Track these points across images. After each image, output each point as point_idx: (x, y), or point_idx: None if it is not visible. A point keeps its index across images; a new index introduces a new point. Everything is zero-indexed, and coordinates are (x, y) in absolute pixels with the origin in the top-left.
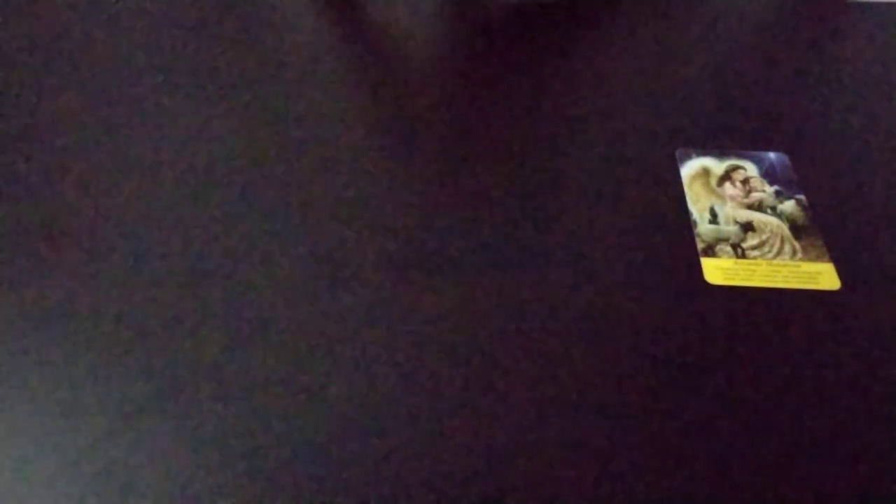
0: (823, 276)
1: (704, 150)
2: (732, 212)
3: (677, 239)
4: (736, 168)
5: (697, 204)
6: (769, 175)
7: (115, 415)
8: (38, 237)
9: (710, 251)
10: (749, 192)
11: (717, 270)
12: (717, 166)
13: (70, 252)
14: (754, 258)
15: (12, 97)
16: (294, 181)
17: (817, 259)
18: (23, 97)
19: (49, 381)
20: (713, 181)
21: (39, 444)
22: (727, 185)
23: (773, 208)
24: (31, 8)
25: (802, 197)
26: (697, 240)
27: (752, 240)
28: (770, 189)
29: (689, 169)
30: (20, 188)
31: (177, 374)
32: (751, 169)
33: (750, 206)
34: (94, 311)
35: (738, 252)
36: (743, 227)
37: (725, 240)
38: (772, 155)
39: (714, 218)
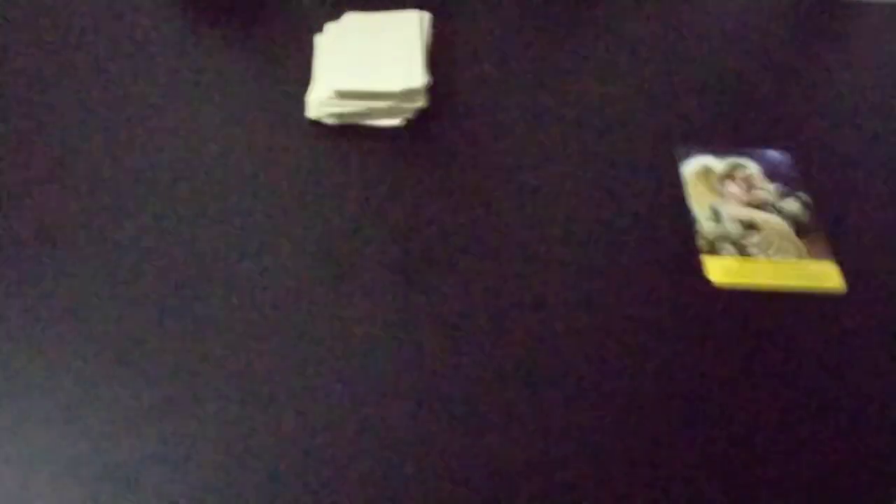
0: (826, 274)
1: (706, 149)
2: (734, 210)
3: (679, 237)
4: (737, 166)
5: (699, 202)
6: (771, 173)
7: (118, 416)
8: (40, 238)
9: (712, 249)
10: (751, 189)
11: (720, 269)
12: (718, 164)
13: (72, 254)
14: (756, 256)
15: (12, 97)
16: (295, 182)
17: (819, 257)
18: (23, 97)
19: (54, 384)
20: (715, 179)
21: (44, 444)
22: (729, 183)
23: (775, 206)
24: (33, 9)
25: (804, 194)
26: (699, 238)
27: (753, 238)
28: (772, 187)
29: (691, 167)
30: (20, 189)
31: (180, 375)
32: (752, 167)
33: (751, 204)
34: (98, 313)
35: (740, 250)
36: (745, 226)
37: (727, 238)
38: (773, 153)
39: (716, 216)
